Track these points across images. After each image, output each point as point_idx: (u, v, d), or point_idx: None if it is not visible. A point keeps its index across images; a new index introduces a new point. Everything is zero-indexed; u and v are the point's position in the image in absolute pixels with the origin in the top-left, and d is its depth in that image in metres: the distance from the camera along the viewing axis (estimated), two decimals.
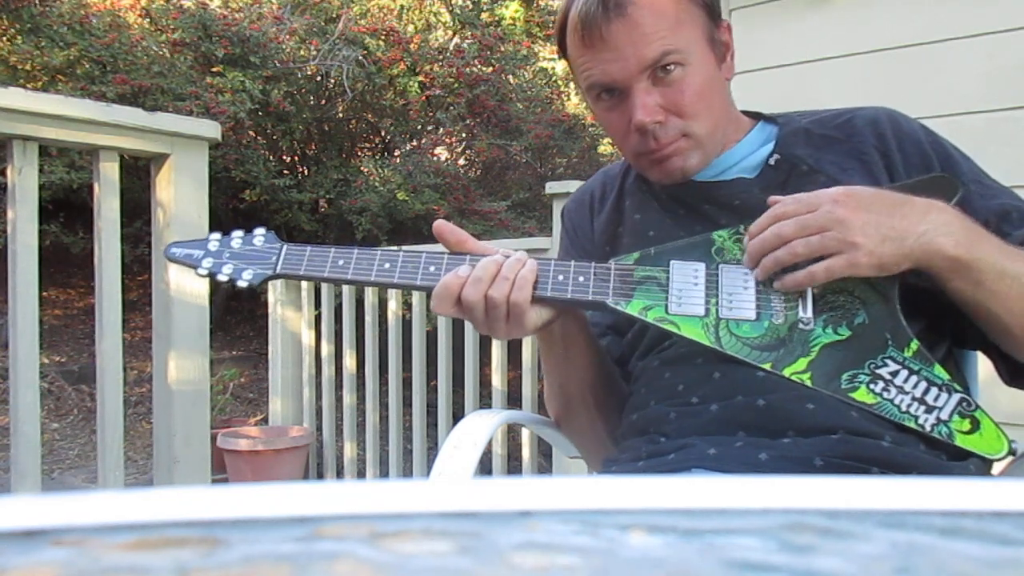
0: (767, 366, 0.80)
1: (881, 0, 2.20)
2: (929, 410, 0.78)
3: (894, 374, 0.79)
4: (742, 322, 0.82)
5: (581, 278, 0.84)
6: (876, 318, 0.81)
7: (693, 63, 0.88)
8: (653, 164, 0.93)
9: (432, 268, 0.85)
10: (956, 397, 0.79)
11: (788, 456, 0.78)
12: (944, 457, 0.79)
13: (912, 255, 0.77)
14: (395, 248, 0.88)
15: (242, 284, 0.89)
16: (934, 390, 0.79)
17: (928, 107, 2.06)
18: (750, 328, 0.82)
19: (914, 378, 0.79)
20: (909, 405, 0.78)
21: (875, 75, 2.20)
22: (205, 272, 0.90)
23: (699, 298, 0.84)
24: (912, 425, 0.77)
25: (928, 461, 0.77)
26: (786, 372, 0.80)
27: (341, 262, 0.87)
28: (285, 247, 0.90)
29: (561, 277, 0.84)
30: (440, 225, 0.87)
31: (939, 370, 0.80)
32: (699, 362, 0.86)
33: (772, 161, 0.95)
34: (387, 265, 0.86)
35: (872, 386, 0.79)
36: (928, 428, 0.77)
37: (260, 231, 0.92)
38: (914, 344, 0.80)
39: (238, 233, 0.92)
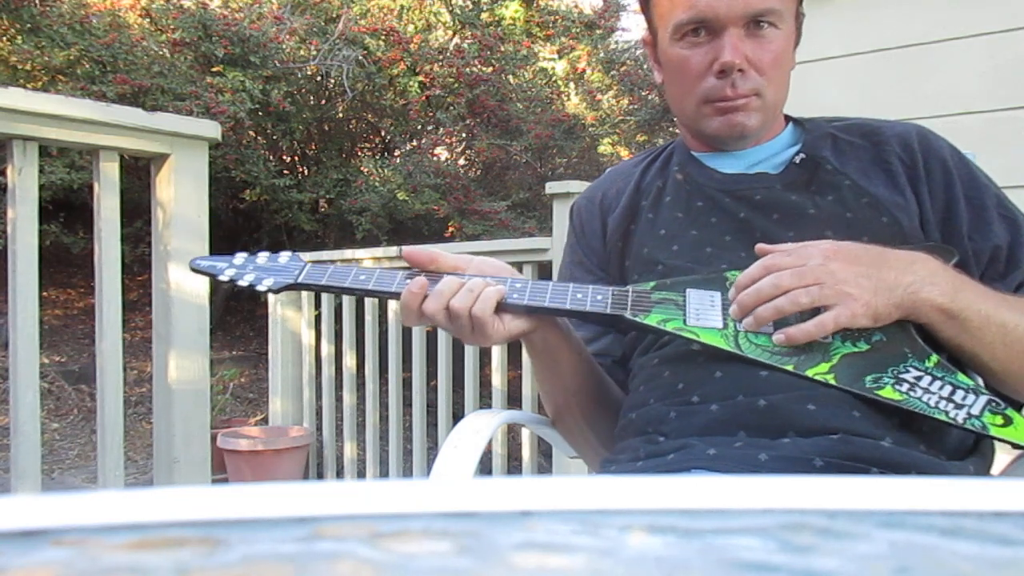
0: (789, 367, 0.80)
1: (881, 0, 2.21)
2: (958, 407, 0.77)
3: (918, 378, 0.79)
4: (760, 334, 0.82)
5: (599, 296, 0.87)
6: (894, 337, 0.82)
7: (783, 30, 0.91)
8: (718, 113, 0.93)
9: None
10: (984, 398, 0.78)
11: (788, 456, 0.78)
12: (943, 457, 0.79)
13: (902, 305, 0.79)
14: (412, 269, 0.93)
15: (261, 289, 0.92)
16: (960, 392, 0.78)
17: (928, 107, 2.07)
18: (768, 340, 0.82)
19: (938, 383, 0.79)
20: (938, 403, 0.77)
21: (875, 75, 2.20)
22: (227, 279, 0.93)
23: (716, 315, 0.85)
24: (943, 419, 0.77)
25: (927, 461, 0.77)
26: (808, 373, 0.80)
27: (363, 277, 0.91)
28: (308, 265, 0.93)
29: (580, 295, 0.87)
30: (407, 252, 0.91)
31: (963, 377, 0.79)
32: (700, 361, 0.86)
33: (797, 160, 0.96)
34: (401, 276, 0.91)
35: (897, 387, 0.78)
36: (960, 421, 0.76)
37: (286, 253, 0.96)
38: (934, 357, 0.80)
39: (264, 253, 0.97)
